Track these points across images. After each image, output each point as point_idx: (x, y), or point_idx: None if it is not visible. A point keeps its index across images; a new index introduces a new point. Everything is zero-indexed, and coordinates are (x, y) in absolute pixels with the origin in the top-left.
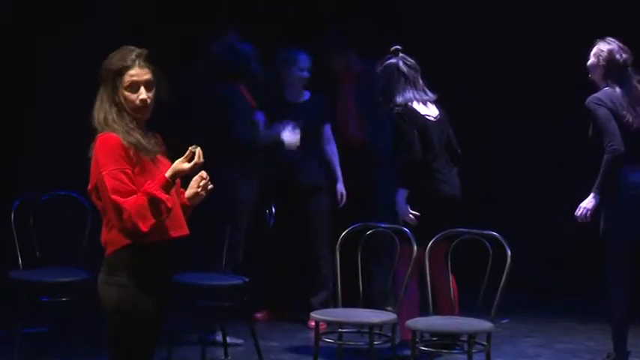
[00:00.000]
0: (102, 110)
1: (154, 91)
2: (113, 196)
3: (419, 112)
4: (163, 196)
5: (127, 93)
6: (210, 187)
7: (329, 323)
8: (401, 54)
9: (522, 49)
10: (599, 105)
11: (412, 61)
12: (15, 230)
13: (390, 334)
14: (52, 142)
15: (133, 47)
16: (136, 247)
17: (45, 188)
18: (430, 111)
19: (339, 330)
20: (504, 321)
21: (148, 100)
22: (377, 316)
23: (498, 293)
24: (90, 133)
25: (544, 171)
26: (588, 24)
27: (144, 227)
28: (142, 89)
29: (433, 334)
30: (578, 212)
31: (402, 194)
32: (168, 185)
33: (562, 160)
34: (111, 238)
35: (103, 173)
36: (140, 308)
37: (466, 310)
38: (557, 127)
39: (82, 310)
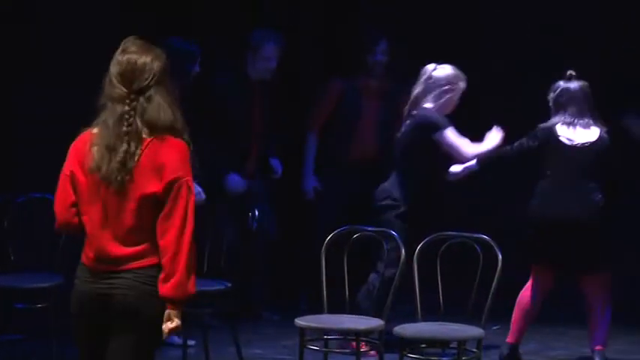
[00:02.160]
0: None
1: None
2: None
3: (557, 134)
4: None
5: None
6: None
7: (314, 330)
8: (573, 79)
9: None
10: None
11: (577, 86)
12: None
13: (377, 341)
14: (28, 143)
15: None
16: None
17: (20, 190)
18: (577, 136)
19: (325, 337)
20: (495, 327)
21: None
22: (364, 323)
23: (489, 298)
24: (68, 135)
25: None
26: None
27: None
28: None
29: (422, 340)
30: None
31: None
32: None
33: None
34: (154, 249)
35: (189, 179)
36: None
37: (456, 316)
38: None
39: (59, 316)
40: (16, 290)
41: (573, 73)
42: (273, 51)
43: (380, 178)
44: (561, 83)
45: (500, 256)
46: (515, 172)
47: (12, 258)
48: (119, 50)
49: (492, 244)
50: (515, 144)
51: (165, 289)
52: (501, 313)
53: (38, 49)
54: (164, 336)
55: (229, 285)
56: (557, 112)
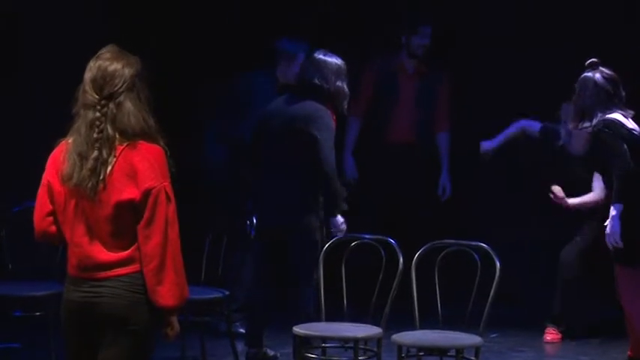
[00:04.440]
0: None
1: None
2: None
3: (626, 126)
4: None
5: None
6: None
7: (312, 338)
8: (600, 67)
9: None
10: None
11: (611, 73)
12: None
13: (375, 349)
14: (24, 152)
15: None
16: None
17: (17, 199)
18: (634, 125)
19: (322, 345)
20: (493, 335)
21: None
22: (362, 331)
23: (487, 306)
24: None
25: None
26: None
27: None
28: None
29: (420, 348)
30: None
31: (618, 209)
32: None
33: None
34: (139, 255)
35: (166, 185)
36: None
37: (454, 324)
38: None
39: (56, 324)
40: (15, 298)
41: (596, 61)
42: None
43: (416, 164)
44: (595, 75)
45: (498, 264)
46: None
47: (10, 266)
48: (93, 57)
49: (491, 252)
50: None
51: (161, 297)
52: (500, 321)
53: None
54: (167, 341)
55: (227, 293)
56: (608, 103)
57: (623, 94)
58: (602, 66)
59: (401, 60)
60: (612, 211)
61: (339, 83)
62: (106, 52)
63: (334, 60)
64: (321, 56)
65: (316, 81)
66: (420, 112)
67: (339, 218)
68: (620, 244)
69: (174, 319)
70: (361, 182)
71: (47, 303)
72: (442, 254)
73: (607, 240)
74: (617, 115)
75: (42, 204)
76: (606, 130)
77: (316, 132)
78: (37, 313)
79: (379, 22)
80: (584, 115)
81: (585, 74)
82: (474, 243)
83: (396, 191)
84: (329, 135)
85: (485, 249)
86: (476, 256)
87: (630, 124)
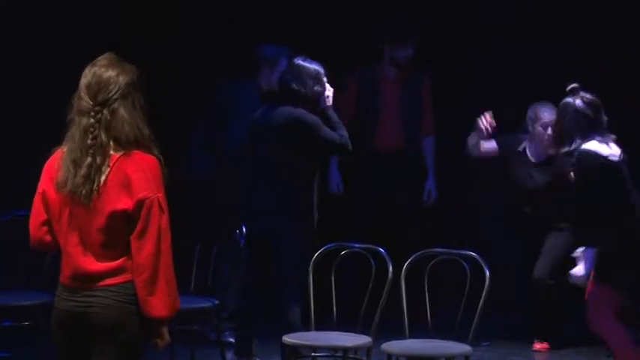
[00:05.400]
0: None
1: None
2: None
3: (600, 154)
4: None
5: None
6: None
7: (301, 347)
8: (581, 92)
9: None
10: None
11: (592, 98)
12: None
13: (364, 359)
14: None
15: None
16: None
17: (4, 208)
18: (613, 150)
19: (312, 354)
20: (485, 344)
21: None
22: (351, 340)
23: (477, 315)
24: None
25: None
26: None
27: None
28: None
29: (409, 357)
30: None
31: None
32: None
33: None
34: (130, 265)
35: (160, 196)
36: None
37: (444, 333)
38: None
39: (45, 334)
40: (3, 308)
41: (577, 86)
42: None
43: (406, 170)
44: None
45: (487, 273)
46: None
47: None
48: (90, 64)
49: (480, 261)
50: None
51: (152, 308)
52: (490, 330)
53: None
54: (157, 351)
55: (216, 302)
56: (587, 129)
57: (605, 118)
58: (584, 91)
59: (383, 69)
60: (587, 255)
61: (317, 88)
62: (102, 59)
63: (312, 65)
64: (299, 62)
65: (294, 85)
66: (406, 118)
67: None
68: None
69: (165, 330)
70: (351, 191)
71: (36, 312)
72: (432, 263)
73: (576, 280)
74: (592, 144)
75: (37, 213)
76: (581, 161)
77: (303, 126)
78: (26, 323)
79: (360, 32)
80: (563, 139)
81: (566, 99)
82: (463, 252)
83: (388, 198)
84: (316, 121)
85: (475, 258)
86: (465, 265)
87: (607, 149)
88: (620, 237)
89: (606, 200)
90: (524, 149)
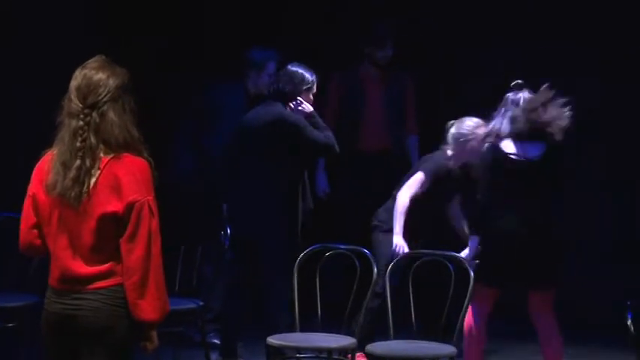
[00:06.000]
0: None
1: None
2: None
3: (502, 151)
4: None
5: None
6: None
7: (286, 348)
8: (525, 89)
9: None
10: None
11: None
12: None
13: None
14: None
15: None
16: None
17: None
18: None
19: (297, 355)
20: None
21: None
22: (336, 341)
23: (461, 316)
24: (33, 152)
25: None
26: None
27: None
28: None
29: (393, 359)
30: None
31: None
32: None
33: None
34: (120, 268)
35: (150, 199)
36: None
37: (429, 334)
38: None
39: (31, 335)
40: None
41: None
42: (275, 68)
43: (391, 170)
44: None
45: (472, 274)
46: None
47: None
48: (80, 66)
49: (464, 262)
50: None
51: (142, 311)
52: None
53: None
54: (146, 354)
55: (201, 303)
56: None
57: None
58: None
59: (365, 70)
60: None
61: (304, 92)
62: (93, 61)
63: (301, 71)
64: (290, 67)
65: (281, 88)
66: (390, 118)
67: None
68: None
69: (154, 333)
70: (337, 192)
71: (21, 314)
72: (416, 264)
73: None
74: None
75: (27, 216)
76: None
77: (287, 125)
78: (10, 325)
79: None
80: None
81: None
82: (448, 253)
83: (373, 198)
84: (302, 122)
85: (460, 259)
86: (450, 266)
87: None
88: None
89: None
90: None
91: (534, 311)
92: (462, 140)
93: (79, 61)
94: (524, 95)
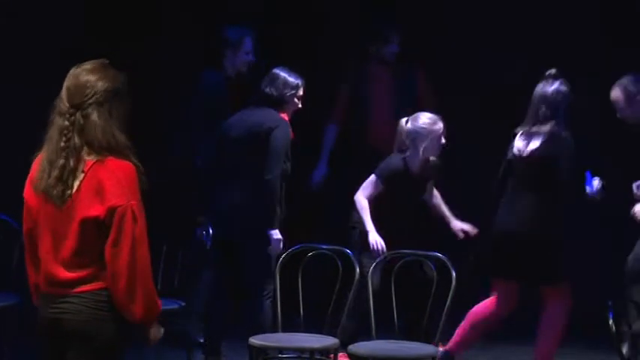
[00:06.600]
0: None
1: None
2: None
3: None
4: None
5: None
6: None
7: (268, 348)
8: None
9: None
10: None
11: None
12: None
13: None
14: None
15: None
16: None
17: None
18: (524, 145)
19: (279, 355)
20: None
21: None
22: (318, 341)
23: (443, 316)
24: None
25: None
26: None
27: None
28: None
29: (375, 359)
30: None
31: None
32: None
33: None
34: (104, 272)
35: (134, 204)
36: (126, 343)
37: (411, 334)
38: None
39: (13, 335)
40: None
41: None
42: (252, 45)
43: None
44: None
45: (454, 274)
46: None
47: None
48: (75, 66)
49: (446, 262)
50: None
51: (133, 314)
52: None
53: None
54: (148, 346)
55: (183, 304)
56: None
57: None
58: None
59: (373, 67)
60: None
61: (289, 95)
62: (88, 63)
63: (285, 75)
64: (275, 71)
65: (268, 90)
66: (401, 114)
67: (274, 234)
68: None
69: (151, 330)
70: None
71: (3, 314)
72: (399, 264)
73: None
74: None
75: (24, 221)
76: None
77: (271, 140)
78: None
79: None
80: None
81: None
82: (430, 253)
83: None
84: (282, 145)
85: (442, 259)
86: (432, 266)
87: (519, 143)
88: None
89: None
90: None
91: (543, 299)
92: (416, 138)
93: (80, 62)
94: (557, 86)
